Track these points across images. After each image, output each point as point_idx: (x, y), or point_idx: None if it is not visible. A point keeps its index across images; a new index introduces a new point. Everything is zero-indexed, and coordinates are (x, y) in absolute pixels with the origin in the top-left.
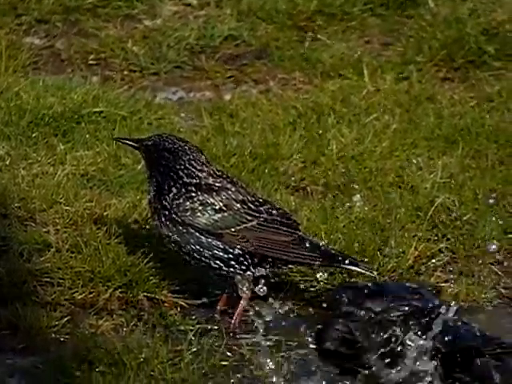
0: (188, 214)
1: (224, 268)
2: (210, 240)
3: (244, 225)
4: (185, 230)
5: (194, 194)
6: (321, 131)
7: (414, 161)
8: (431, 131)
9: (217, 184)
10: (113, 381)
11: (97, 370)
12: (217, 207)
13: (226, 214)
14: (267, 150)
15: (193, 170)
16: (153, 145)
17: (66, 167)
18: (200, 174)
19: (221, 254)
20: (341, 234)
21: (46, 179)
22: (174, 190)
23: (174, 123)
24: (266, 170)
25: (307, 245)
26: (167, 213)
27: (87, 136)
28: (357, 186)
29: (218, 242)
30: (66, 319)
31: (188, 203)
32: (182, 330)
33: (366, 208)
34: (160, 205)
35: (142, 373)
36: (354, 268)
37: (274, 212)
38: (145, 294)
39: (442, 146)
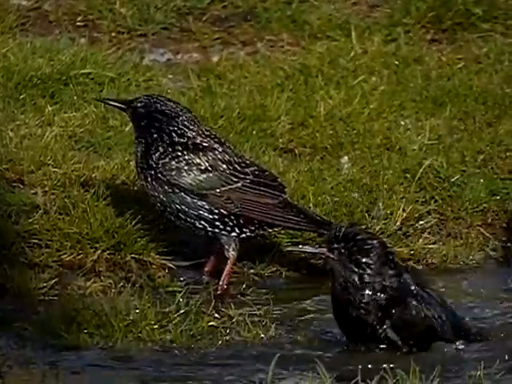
0: (173, 173)
1: (209, 228)
2: (195, 200)
3: (229, 186)
4: (170, 190)
5: (180, 154)
6: (308, 93)
7: (402, 122)
8: (419, 93)
9: (204, 144)
10: (101, 342)
11: (85, 331)
12: (202, 167)
13: (211, 174)
14: (255, 111)
15: (185, 130)
16: (143, 107)
17: (54, 129)
18: (190, 134)
19: (206, 214)
20: (328, 196)
21: (33, 141)
22: (161, 149)
23: (161, 85)
24: (254, 132)
25: (292, 209)
26: (153, 172)
27: (75, 97)
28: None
29: (203, 203)
30: (54, 281)
31: (174, 162)
32: (170, 292)
33: (354, 170)
34: (146, 164)
35: (129, 334)
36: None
37: (260, 174)
38: (133, 255)
39: (430, 107)
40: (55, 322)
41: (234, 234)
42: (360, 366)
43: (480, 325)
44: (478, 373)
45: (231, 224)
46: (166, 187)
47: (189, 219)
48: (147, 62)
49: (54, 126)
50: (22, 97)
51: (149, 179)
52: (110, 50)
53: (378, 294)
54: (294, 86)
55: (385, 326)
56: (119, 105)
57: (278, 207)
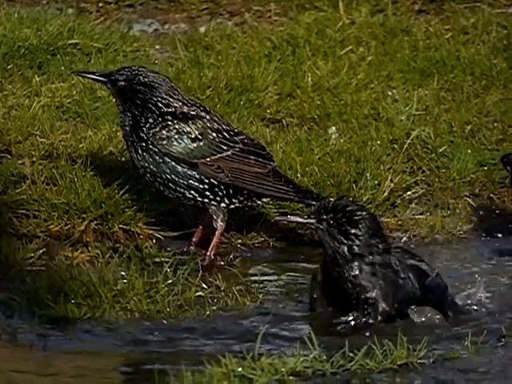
0: (164, 142)
1: (198, 198)
2: (185, 170)
3: (219, 154)
4: (161, 160)
5: (170, 123)
6: (296, 63)
7: (390, 93)
8: (406, 64)
9: (191, 112)
10: (88, 312)
11: (72, 301)
12: (192, 136)
13: (201, 143)
14: (242, 82)
15: (170, 99)
16: (126, 80)
17: (42, 99)
18: (176, 104)
19: (196, 184)
20: (316, 167)
21: (21, 111)
22: (151, 120)
23: (149, 55)
24: (242, 102)
25: (281, 178)
26: (144, 144)
27: (62, 68)
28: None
29: (194, 172)
30: (41, 251)
31: (164, 132)
32: (158, 262)
33: (342, 140)
34: (137, 137)
35: (117, 305)
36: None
37: (249, 142)
38: (120, 226)
39: (418, 78)
40: (42, 292)
41: (223, 204)
42: (348, 336)
43: (466, 296)
44: (466, 343)
45: (221, 194)
46: (157, 157)
47: (179, 189)
48: (135, 32)
49: (41, 96)
50: (9, 67)
51: (139, 151)
52: (97, 20)
53: (367, 267)
54: (281, 56)
55: (372, 301)
56: (98, 78)
57: (266, 176)
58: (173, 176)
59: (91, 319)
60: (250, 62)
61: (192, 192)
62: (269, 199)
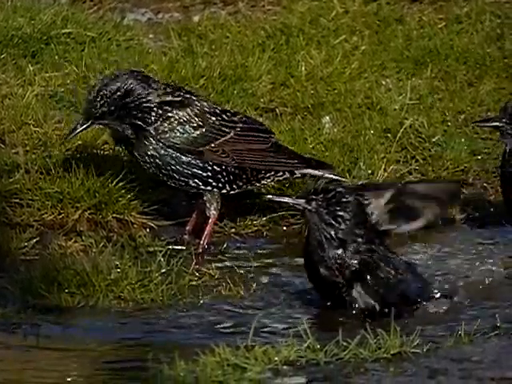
0: (167, 135)
1: (201, 186)
2: (190, 159)
3: (222, 138)
4: (166, 153)
5: (170, 115)
6: (290, 53)
7: (383, 82)
8: (400, 53)
9: (178, 99)
10: (82, 301)
11: (66, 290)
12: (194, 124)
13: (203, 129)
14: (236, 71)
15: (154, 92)
16: (105, 104)
17: (35, 88)
18: (160, 92)
19: (200, 172)
20: (310, 156)
21: (14, 100)
22: (148, 118)
23: (142, 44)
24: (235, 92)
25: (284, 150)
26: (147, 141)
27: (56, 57)
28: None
29: (198, 161)
30: (35, 240)
31: (166, 124)
32: (151, 252)
33: (335, 129)
34: (139, 137)
35: (111, 294)
36: (327, 174)
37: (247, 120)
38: (114, 215)
39: (411, 67)
40: (36, 281)
41: (224, 190)
42: (341, 325)
43: (459, 284)
44: (459, 332)
45: (223, 181)
46: (162, 151)
47: (183, 178)
48: (128, 21)
49: (35, 85)
50: (2, 56)
51: (143, 149)
52: (91, 9)
53: (351, 254)
54: (275, 45)
55: (354, 290)
56: (83, 127)
57: (270, 151)
58: (177, 167)
59: (85, 308)
60: (243, 52)
61: (196, 180)
62: (268, 181)
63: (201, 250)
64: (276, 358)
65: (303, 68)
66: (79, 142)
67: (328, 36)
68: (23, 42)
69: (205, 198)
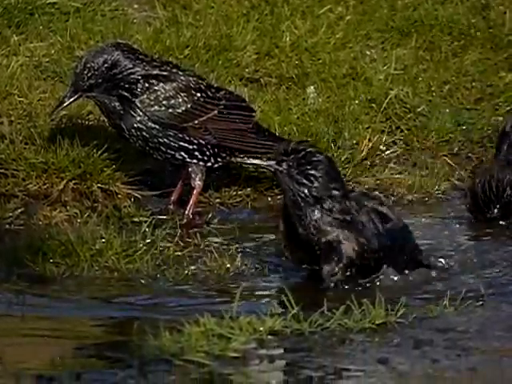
0: (153, 109)
1: (187, 159)
2: (176, 132)
3: (206, 115)
4: (152, 126)
5: (156, 88)
6: (274, 23)
7: (368, 52)
8: (385, 23)
9: (165, 73)
10: (67, 271)
11: (51, 260)
12: (180, 100)
13: (188, 105)
14: (221, 41)
15: (140, 65)
16: (92, 76)
17: (20, 59)
18: (148, 67)
19: (186, 145)
20: (294, 126)
21: None
22: (136, 90)
23: (127, 15)
24: (220, 62)
25: (264, 132)
26: (134, 113)
27: (41, 27)
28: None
29: (184, 134)
30: (20, 210)
31: (152, 98)
32: (136, 222)
33: (320, 100)
34: (126, 110)
35: (95, 264)
36: None
37: (231, 97)
38: (99, 185)
39: (396, 37)
40: (21, 251)
41: (209, 163)
42: (326, 296)
43: (443, 255)
44: (444, 302)
45: (208, 154)
46: (150, 123)
47: (169, 151)
48: None
49: (19, 55)
50: None
51: (130, 122)
52: None
53: (327, 211)
54: (259, 15)
55: (335, 244)
56: (71, 99)
57: (250, 133)
58: (164, 139)
59: (69, 278)
60: (228, 22)
61: (182, 153)
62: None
63: (186, 221)
64: (261, 328)
65: (288, 38)
66: (64, 113)
67: (313, 6)
68: (8, 13)
69: (190, 170)
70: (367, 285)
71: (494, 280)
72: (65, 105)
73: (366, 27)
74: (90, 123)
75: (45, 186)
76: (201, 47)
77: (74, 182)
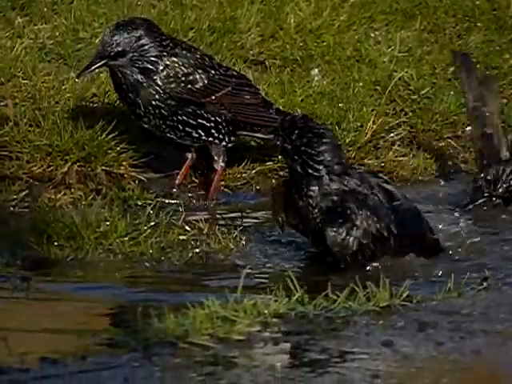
0: (173, 86)
1: (203, 137)
2: (195, 108)
3: (222, 91)
4: (172, 102)
5: (176, 65)
6: (279, 5)
7: (372, 35)
8: (389, 5)
9: (184, 52)
10: (71, 254)
11: (55, 243)
12: (197, 76)
13: (206, 81)
14: (225, 23)
15: (162, 42)
16: (121, 43)
17: (24, 41)
18: (170, 45)
19: (204, 122)
20: (299, 108)
21: (3, 53)
22: (157, 66)
23: None
24: (224, 44)
25: (271, 106)
26: (153, 91)
27: (45, 9)
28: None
29: (202, 111)
30: (24, 193)
31: (172, 74)
32: (141, 204)
33: (324, 82)
34: (145, 86)
35: (100, 246)
36: None
37: (239, 75)
38: (103, 167)
39: (400, 20)
40: (25, 234)
41: (223, 143)
42: (330, 279)
43: (448, 238)
44: (448, 285)
45: (223, 131)
46: (169, 101)
47: (187, 129)
48: None
49: (24, 37)
50: None
51: (153, 102)
52: None
53: (327, 183)
54: None
55: (330, 229)
56: (98, 64)
57: (260, 107)
58: (183, 117)
59: (74, 261)
60: (232, 4)
61: (199, 131)
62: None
63: (209, 202)
64: (265, 311)
65: (292, 20)
66: (68, 95)
67: None
68: None
69: (213, 152)
70: (372, 266)
71: (497, 263)
72: (91, 69)
73: (370, 9)
74: (95, 106)
75: (49, 169)
76: (205, 29)
77: (78, 164)
